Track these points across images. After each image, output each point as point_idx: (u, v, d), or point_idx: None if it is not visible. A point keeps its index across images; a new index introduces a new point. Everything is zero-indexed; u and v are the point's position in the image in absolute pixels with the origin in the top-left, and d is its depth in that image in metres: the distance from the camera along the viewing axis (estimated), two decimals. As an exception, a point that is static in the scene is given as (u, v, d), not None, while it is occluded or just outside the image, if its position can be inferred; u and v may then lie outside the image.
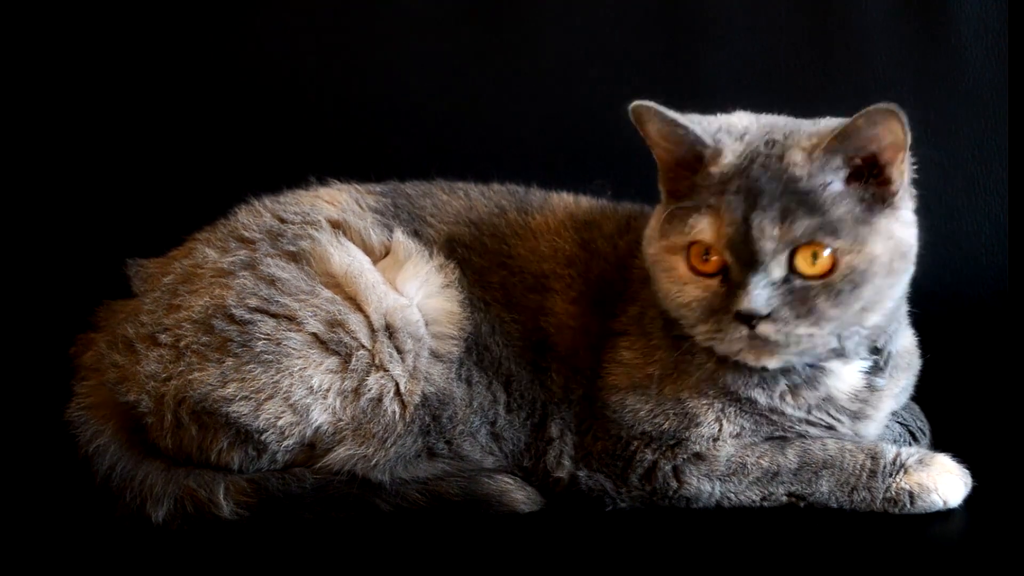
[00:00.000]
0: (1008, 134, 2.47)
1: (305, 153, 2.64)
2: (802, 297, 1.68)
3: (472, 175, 2.12)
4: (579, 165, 2.59)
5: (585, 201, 2.06)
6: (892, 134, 1.67)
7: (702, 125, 1.77)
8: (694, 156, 1.76)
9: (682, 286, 1.74)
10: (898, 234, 1.72)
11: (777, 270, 1.68)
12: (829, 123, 1.78)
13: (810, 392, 1.81)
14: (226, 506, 1.81)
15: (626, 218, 2.00)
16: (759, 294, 1.67)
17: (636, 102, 1.73)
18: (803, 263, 1.68)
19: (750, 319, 1.68)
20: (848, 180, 1.71)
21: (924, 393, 2.01)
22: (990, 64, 2.50)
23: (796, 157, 1.70)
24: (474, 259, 1.96)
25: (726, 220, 1.68)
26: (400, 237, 1.93)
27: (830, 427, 1.84)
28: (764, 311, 1.67)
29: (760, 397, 1.81)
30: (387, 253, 1.92)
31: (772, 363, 1.74)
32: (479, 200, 2.03)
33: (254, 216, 1.96)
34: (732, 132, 1.77)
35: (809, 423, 1.83)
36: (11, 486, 1.99)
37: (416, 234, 1.96)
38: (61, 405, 1.91)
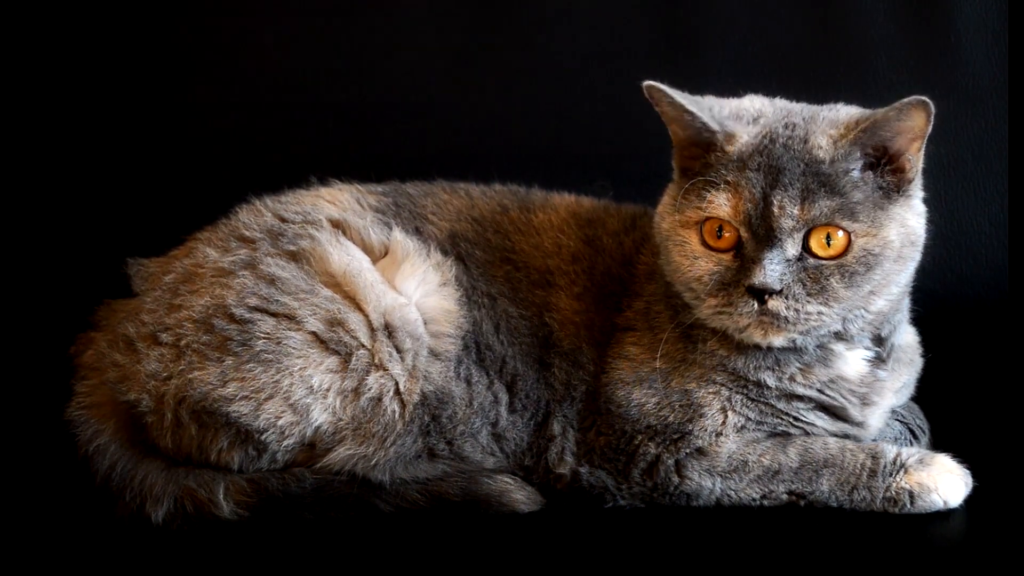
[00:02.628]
0: (1008, 134, 2.47)
1: (307, 153, 2.64)
2: (815, 276, 1.71)
3: (473, 175, 2.12)
4: (579, 166, 2.59)
5: (587, 200, 2.07)
6: (918, 126, 1.71)
7: (712, 111, 1.79)
8: (706, 137, 1.78)
9: (694, 260, 1.76)
10: (910, 222, 1.76)
11: (792, 248, 1.70)
12: (848, 111, 1.81)
13: (822, 369, 1.82)
14: (226, 506, 1.81)
15: (631, 216, 2.02)
16: (773, 269, 1.69)
17: (648, 82, 1.77)
18: (817, 244, 1.71)
19: (762, 294, 1.69)
20: (863, 168, 1.74)
21: (924, 393, 2.01)
22: (990, 64, 2.51)
23: (821, 141, 1.73)
24: (478, 254, 1.96)
25: (745, 196, 1.71)
26: (398, 236, 1.93)
27: (841, 408, 1.83)
28: (777, 287, 1.69)
29: (770, 379, 1.81)
30: (387, 252, 1.92)
31: (777, 340, 1.76)
32: (481, 199, 2.04)
33: (255, 215, 1.96)
34: (743, 116, 1.80)
35: (820, 404, 1.83)
36: (11, 486, 1.99)
37: (418, 232, 1.96)
38: (61, 405, 1.91)
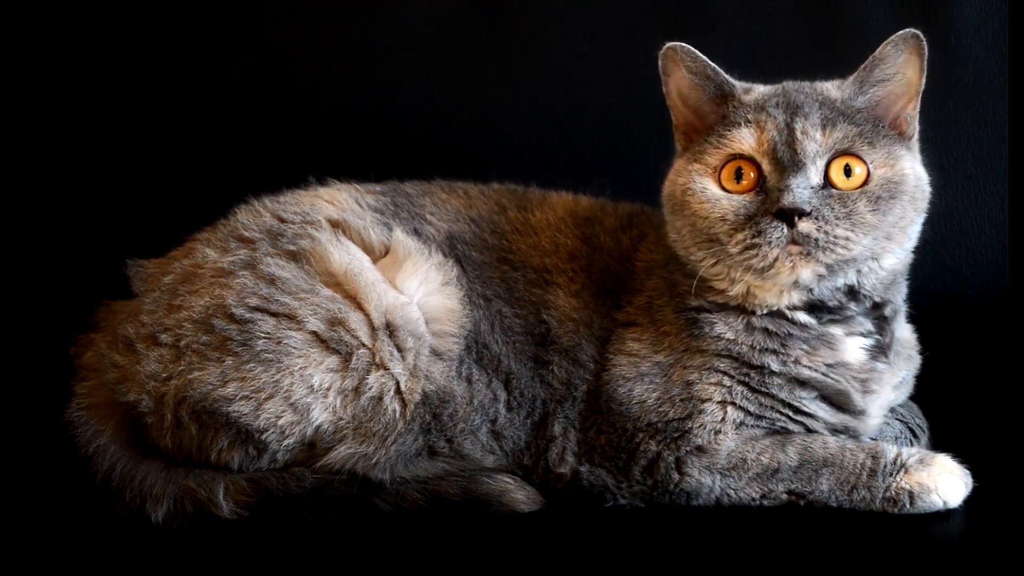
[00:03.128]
0: (1008, 134, 2.47)
1: (305, 153, 2.64)
2: (842, 201, 1.74)
3: (471, 175, 2.13)
4: (579, 165, 2.59)
5: (584, 199, 2.07)
6: (912, 70, 1.79)
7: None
8: (723, 92, 1.83)
9: (715, 202, 1.78)
10: (918, 169, 1.83)
11: (815, 176, 1.75)
12: None
13: (827, 351, 1.83)
14: (225, 506, 1.81)
15: (628, 215, 2.03)
16: (801, 192, 1.72)
17: (671, 43, 1.81)
18: (837, 175, 1.76)
19: (792, 216, 1.71)
20: (870, 113, 1.81)
21: (924, 393, 2.01)
22: (990, 64, 2.51)
23: (827, 85, 1.83)
24: (474, 255, 1.96)
25: (768, 127, 1.76)
26: (399, 236, 1.93)
27: (844, 393, 1.84)
28: (807, 207, 1.71)
29: (774, 363, 1.82)
30: (387, 252, 1.92)
31: (806, 272, 1.76)
32: (479, 198, 2.04)
33: (254, 216, 1.96)
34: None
35: (822, 392, 1.83)
36: (11, 486, 1.99)
37: (416, 232, 1.96)
38: (61, 405, 1.91)
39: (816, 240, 1.72)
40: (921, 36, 1.78)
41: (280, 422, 1.80)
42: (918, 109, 1.84)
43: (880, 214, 1.76)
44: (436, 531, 1.80)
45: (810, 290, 1.80)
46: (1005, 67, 2.49)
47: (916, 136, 1.85)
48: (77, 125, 2.68)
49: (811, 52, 2.57)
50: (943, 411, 2.06)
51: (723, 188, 1.79)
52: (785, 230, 1.72)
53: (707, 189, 1.79)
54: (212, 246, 1.92)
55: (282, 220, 1.94)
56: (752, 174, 1.77)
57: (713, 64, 1.82)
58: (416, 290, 1.89)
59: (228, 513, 1.81)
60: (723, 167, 1.79)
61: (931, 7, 2.54)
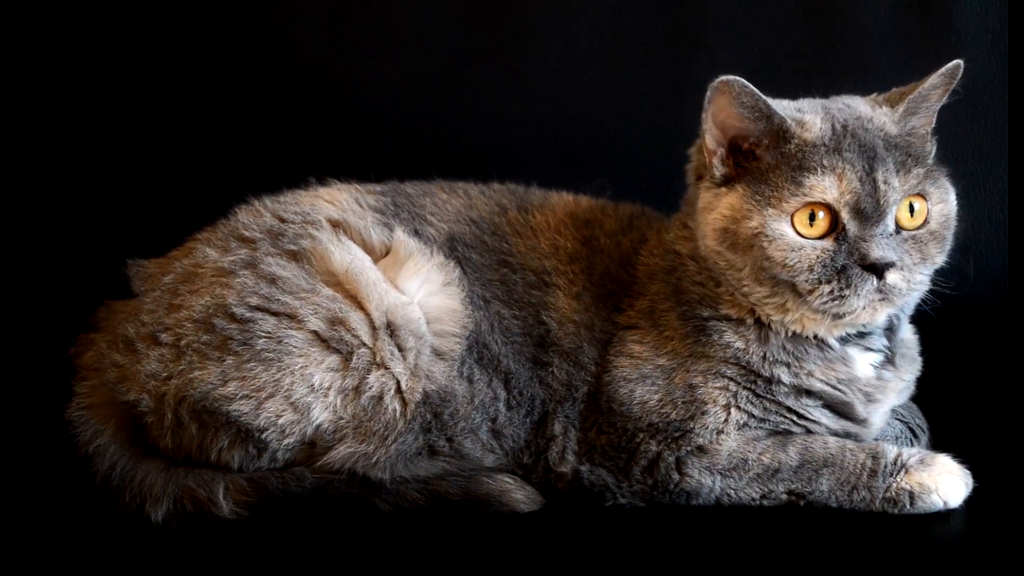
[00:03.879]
0: (1008, 134, 2.47)
1: (305, 153, 2.64)
2: (916, 245, 1.76)
3: (472, 175, 2.13)
4: (579, 165, 2.59)
5: (585, 200, 2.07)
6: (943, 94, 1.81)
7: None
8: (772, 128, 1.77)
9: (796, 251, 1.75)
10: (953, 195, 1.83)
11: (891, 223, 1.75)
12: (859, 98, 1.86)
13: (842, 367, 1.84)
14: (225, 505, 1.81)
15: (628, 217, 2.02)
16: (888, 243, 1.73)
17: (724, 76, 1.75)
18: (903, 215, 1.76)
19: (883, 269, 1.72)
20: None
21: (924, 393, 2.01)
22: (990, 64, 2.51)
23: (882, 117, 1.80)
24: (474, 257, 1.96)
25: (849, 177, 1.73)
26: (401, 236, 1.93)
27: (848, 404, 1.84)
28: (895, 259, 1.72)
29: (784, 375, 1.82)
30: (387, 252, 1.92)
31: (883, 317, 1.81)
32: (479, 199, 2.04)
33: (254, 216, 1.96)
34: (799, 109, 1.83)
35: (827, 401, 1.84)
36: (11, 486, 1.99)
37: (416, 233, 1.96)
38: (61, 405, 1.91)
39: (900, 289, 1.74)
40: (961, 64, 1.79)
41: (280, 421, 1.80)
42: (933, 125, 1.85)
43: (944, 252, 1.80)
44: (436, 531, 1.80)
45: (864, 325, 1.83)
46: (1005, 67, 2.49)
47: (933, 151, 1.85)
48: (77, 125, 2.68)
49: (811, 52, 2.57)
50: (943, 411, 2.06)
51: (797, 232, 1.75)
52: (875, 282, 1.73)
53: (785, 236, 1.75)
54: (213, 246, 1.92)
55: (283, 220, 1.94)
56: (825, 216, 1.74)
57: (766, 98, 1.77)
58: (417, 290, 1.89)
59: (228, 513, 1.81)
60: (796, 213, 1.75)
61: (931, 7, 2.54)
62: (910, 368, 1.95)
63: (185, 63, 2.69)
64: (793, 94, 1.90)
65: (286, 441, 1.82)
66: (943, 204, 1.79)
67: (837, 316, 1.77)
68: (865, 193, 1.73)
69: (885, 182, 1.73)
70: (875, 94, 1.87)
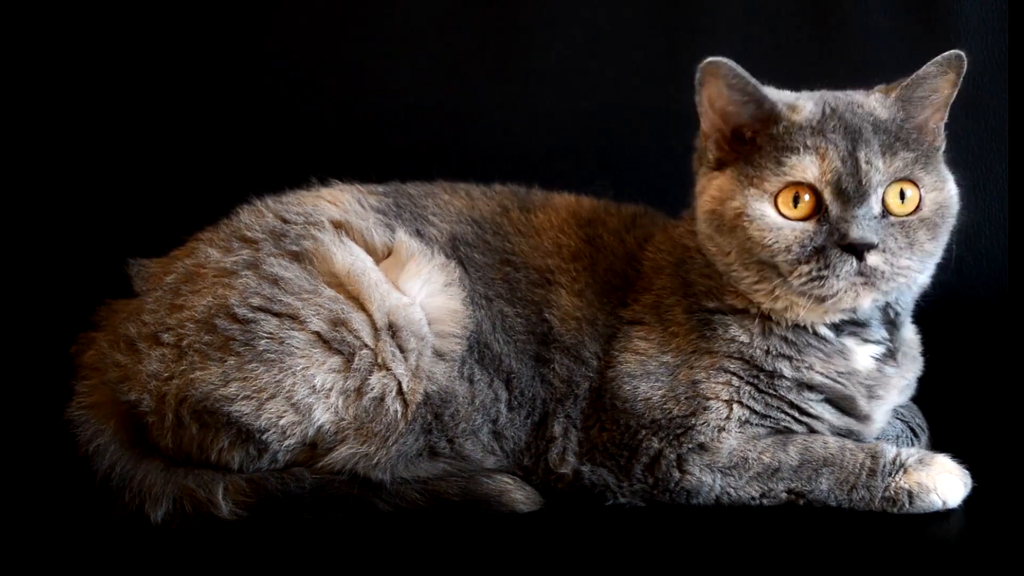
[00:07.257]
0: (1008, 134, 2.47)
1: (307, 154, 2.64)
2: (904, 230, 1.75)
3: (473, 176, 2.12)
4: (579, 166, 2.59)
5: (587, 200, 2.07)
6: (949, 86, 1.80)
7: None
8: (763, 112, 1.79)
9: (776, 231, 1.76)
10: (951, 184, 1.82)
11: (876, 205, 1.74)
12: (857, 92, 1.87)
13: (840, 360, 1.84)
14: (225, 506, 1.81)
15: (631, 216, 2.03)
16: (868, 224, 1.72)
17: (711, 58, 1.76)
18: (893, 201, 1.75)
19: (861, 250, 1.71)
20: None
21: (924, 393, 2.01)
22: (990, 64, 2.51)
23: (874, 103, 1.80)
24: (476, 256, 1.96)
25: (831, 156, 1.74)
26: (402, 237, 1.93)
27: (850, 399, 1.85)
28: (876, 241, 1.72)
29: (786, 369, 1.82)
30: (389, 253, 1.92)
31: (867, 301, 1.78)
32: (481, 199, 2.04)
33: (257, 216, 1.96)
34: (798, 97, 1.83)
35: (829, 396, 1.84)
36: (11, 486, 1.99)
37: (418, 233, 1.96)
38: (61, 405, 1.91)
39: (883, 272, 1.73)
40: (964, 56, 1.78)
41: (281, 422, 1.80)
42: (945, 120, 1.84)
43: (936, 241, 1.78)
44: (436, 531, 1.80)
45: (854, 311, 1.82)
46: (1005, 67, 2.49)
47: (943, 147, 1.84)
48: (77, 125, 2.68)
49: (811, 51, 2.58)
50: (943, 411, 2.06)
51: (780, 213, 1.76)
52: (854, 263, 1.72)
53: (766, 216, 1.76)
54: (215, 246, 1.92)
55: (285, 220, 1.94)
56: (809, 199, 1.75)
57: (754, 81, 1.77)
58: (419, 291, 1.89)
59: (227, 513, 1.81)
60: (779, 193, 1.76)
61: (931, 7, 2.54)
62: (912, 367, 1.95)
63: (188, 63, 2.69)
64: (795, 91, 1.90)
65: (287, 442, 1.82)
66: (937, 192, 1.78)
67: (820, 300, 1.76)
68: (847, 172, 1.73)
69: (867, 162, 1.73)
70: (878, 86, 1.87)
